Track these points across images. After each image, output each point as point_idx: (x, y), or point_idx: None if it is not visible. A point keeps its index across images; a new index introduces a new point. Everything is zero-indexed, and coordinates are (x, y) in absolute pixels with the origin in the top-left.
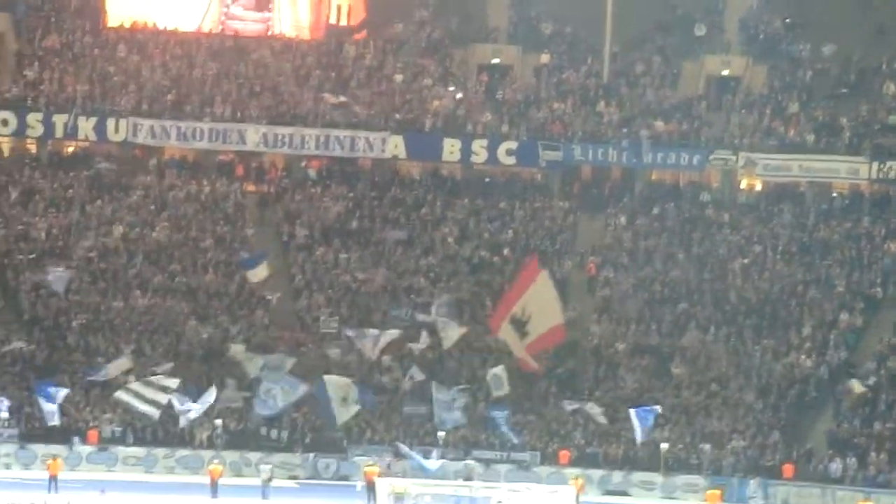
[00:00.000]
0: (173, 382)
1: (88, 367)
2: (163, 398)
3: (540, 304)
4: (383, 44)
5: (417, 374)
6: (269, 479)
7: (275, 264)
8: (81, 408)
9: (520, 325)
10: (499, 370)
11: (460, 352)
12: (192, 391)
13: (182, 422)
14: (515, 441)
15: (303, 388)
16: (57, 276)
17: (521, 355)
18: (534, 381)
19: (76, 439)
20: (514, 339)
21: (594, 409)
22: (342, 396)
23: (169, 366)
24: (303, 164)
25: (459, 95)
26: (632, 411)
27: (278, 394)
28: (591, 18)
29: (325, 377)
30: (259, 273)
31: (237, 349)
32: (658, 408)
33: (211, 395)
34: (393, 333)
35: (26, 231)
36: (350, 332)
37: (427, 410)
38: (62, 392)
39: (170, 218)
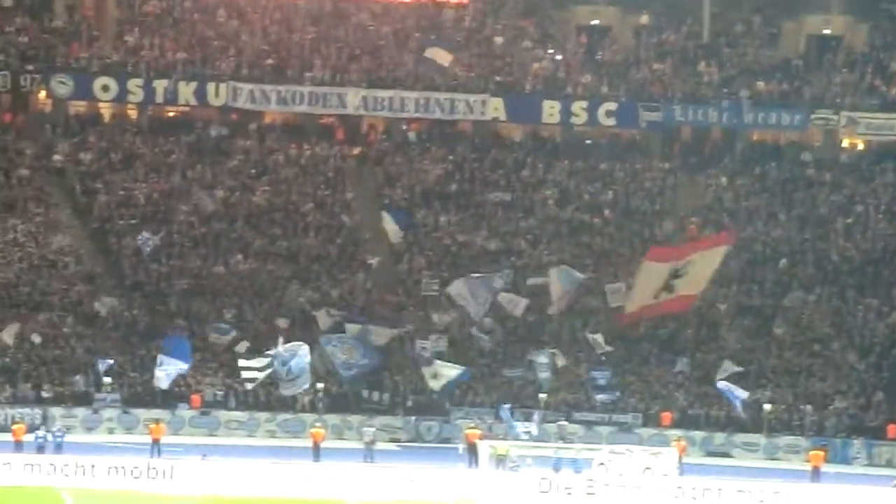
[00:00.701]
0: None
1: (213, 328)
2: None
3: (700, 269)
4: (483, 6)
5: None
6: (373, 442)
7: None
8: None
9: (672, 277)
10: (598, 337)
11: (560, 314)
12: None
13: (290, 390)
14: (606, 398)
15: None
16: (145, 240)
17: (633, 309)
18: (635, 342)
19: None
20: (652, 287)
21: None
22: (433, 373)
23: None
24: (403, 127)
25: (559, 57)
26: (722, 387)
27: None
28: None
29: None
30: (392, 231)
31: (323, 316)
32: (744, 394)
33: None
34: (499, 291)
35: (127, 196)
36: (458, 296)
37: (526, 373)
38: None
39: (270, 182)
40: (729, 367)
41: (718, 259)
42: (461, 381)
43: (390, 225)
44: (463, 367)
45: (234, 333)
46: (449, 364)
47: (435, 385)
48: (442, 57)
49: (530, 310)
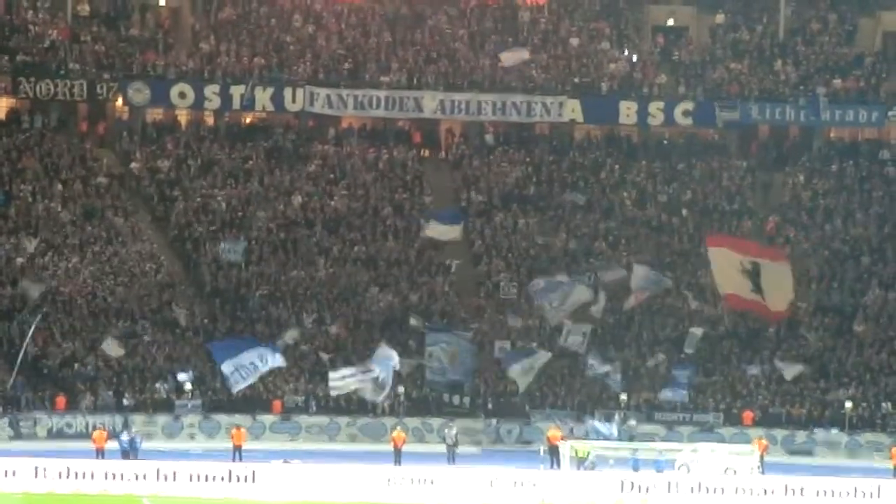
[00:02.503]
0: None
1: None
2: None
3: (777, 283)
4: (558, 7)
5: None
6: (455, 444)
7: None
8: (265, 378)
9: (753, 275)
10: (697, 330)
11: (641, 314)
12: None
13: (381, 397)
14: (673, 396)
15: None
16: (231, 246)
17: (729, 291)
18: (716, 341)
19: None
20: (731, 275)
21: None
22: (528, 366)
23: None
24: (481, 129)
25: (635, 57)
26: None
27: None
28: None
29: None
30: (448, 233)
31: (416, 321)
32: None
33: (392, 362)
34: (579, 294)
35: (206, 203)
36: (536, 291)
37: (608, 374)
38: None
39: (348, 186)
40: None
41: (789, 276)
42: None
43: (438, 229)
44: (539, 350)
45: (312, 337)
46: (528, 357)
47: (522, 384)
48: (517, 57)
49: (609, 310)
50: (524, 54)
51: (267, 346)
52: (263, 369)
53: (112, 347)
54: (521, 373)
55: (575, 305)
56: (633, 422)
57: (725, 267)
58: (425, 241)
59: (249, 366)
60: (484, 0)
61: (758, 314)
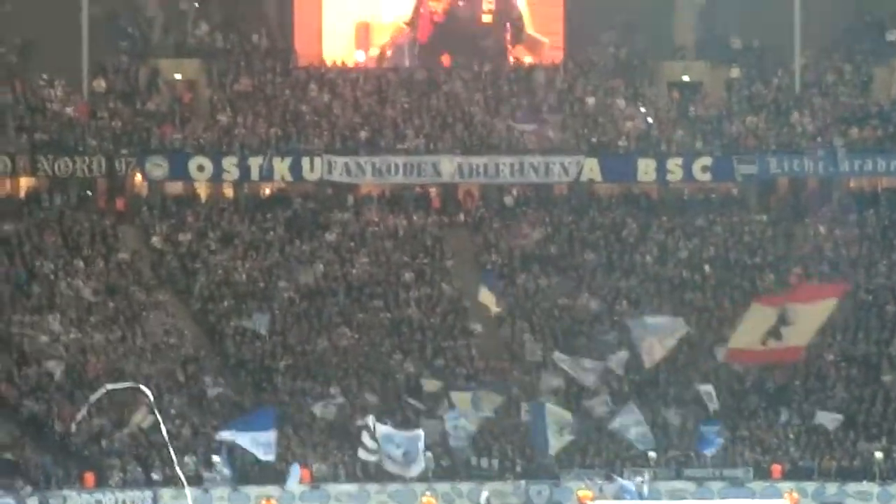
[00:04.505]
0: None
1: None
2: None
3: (809, 319)
4: (574, 67)
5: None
6: None
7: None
8: (292, 446)
9: (780, 323)
10: (708, 387)
11: (666, 371)
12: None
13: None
14: (712, 449)
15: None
16: (259, 319)
17: (737, 346)
18: (742, 395)
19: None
20: (759, 330)
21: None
22: (559, 426)
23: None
24: (499, 192)
25: (652, 115)
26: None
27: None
28: (779, 29)
29: (547, 405)
30: (487, 298)
31: (432, 384)
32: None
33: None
34: (608, 362)
35: (227, 275)
36: (563, 363)
37: (634, 431)
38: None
39: (369, 254)
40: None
41: (827, 311)
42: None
43: (488, 296)
44: (569, 415)
45: (339, 406)
46: (559, 418)
47: (555, 447)
48: (531, 126)
49: (634, 368)
50: (539, 125)
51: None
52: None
53: (142, 418)
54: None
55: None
56: (640, 478)
57: (755, 323)
58: (447, 306)
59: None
60: (498, 64)
61: (768, 362)
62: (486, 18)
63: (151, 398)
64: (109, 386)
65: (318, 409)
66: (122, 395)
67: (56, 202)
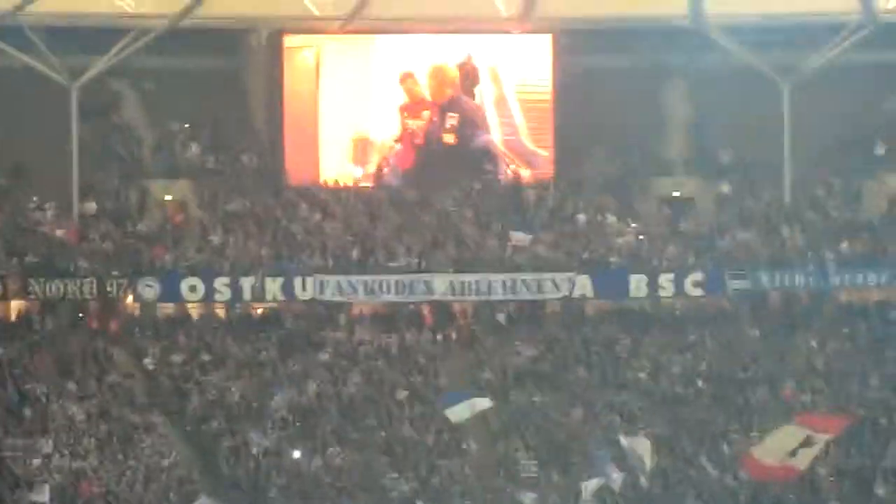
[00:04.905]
0: None
1: None
2: None
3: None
4: (564, 184)
5: None
6: None
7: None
8: None
9: (803, 445)
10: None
11: (662, 486)
12: None
13: None
14: None
15: None
16: (258, 441)
17: (761, 459)
18: None
19: None
20: (784, 448)
21: None
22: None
23: None
24: (498, 312)
25: (642, 237)
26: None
27: None
28: (769, 144)
29: None
30: (460, 413)
31: None
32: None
33: None
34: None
35: (220, 396)
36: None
37: None
38: None
39: (362, 372)
40: None
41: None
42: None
43: (457, 412)
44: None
45: None
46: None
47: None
48: (521, 240)
49: (629, 485)
50: (529, 240)
51: None
52: None
53: None
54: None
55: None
56: None
57: (783, 440)
58: (442, 424)
59: None
60: (489, 181)
61: (776, 478)
62: (449, 139)
63: None
64: None
65: None
66: None
67: (48, 325)
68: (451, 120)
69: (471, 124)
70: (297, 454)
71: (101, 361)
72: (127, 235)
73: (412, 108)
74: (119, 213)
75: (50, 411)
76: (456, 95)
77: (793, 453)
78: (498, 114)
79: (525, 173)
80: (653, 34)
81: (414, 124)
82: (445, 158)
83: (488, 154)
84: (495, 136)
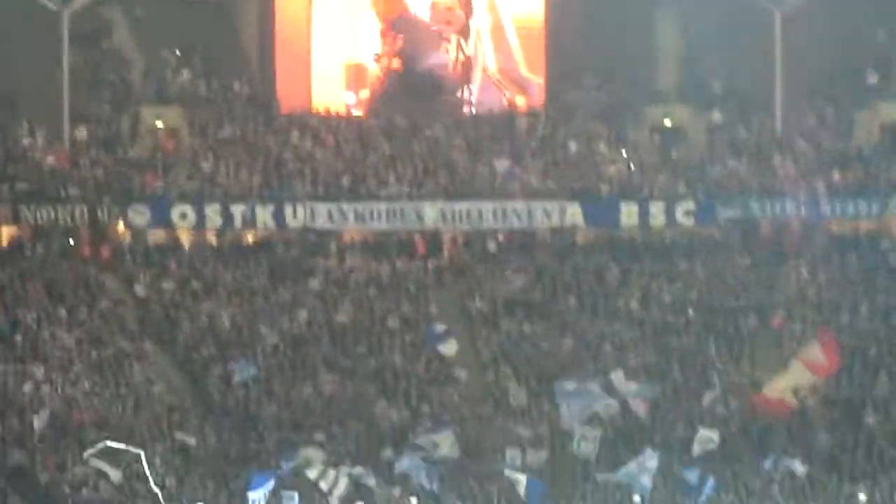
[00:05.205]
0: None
1: (283, 457)
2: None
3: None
4: (555, 112)
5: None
6: None
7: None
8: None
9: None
10: (711, 433)
11: (651, 416)
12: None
13: None
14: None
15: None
16: (240, 367)
17: (770, 394)
18: (726, 437)
19: None
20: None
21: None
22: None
23: None
24: (489, 241)
25: (632, 167)
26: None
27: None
28: (761, 73)
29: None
30: (450, 348)
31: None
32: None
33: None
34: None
35: (211, 323)
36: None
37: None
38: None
39: (353, 300)
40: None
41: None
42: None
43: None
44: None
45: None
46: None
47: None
48: (513, 168)
49: (620, 413)
50: (518, 167)
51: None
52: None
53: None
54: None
55: (591, 412)
56: None
57: (788, 378)
58: (432, 352)
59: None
60: (480, 110)
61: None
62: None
63: (146, 465)
64: (109, 443)
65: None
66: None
67: (39, 251)
68: (399, 42)
69: (418, 45)
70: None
71: (93, 288)
72: (118, 162)
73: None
74: (110, 139)
75: (41, 338)
76: (401, 14)
77: (794, 392)
78: (493, 42)
79: (521, 101)
80: None
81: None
82: (397, 83)
83: (433, 78)
84: (490, 63)
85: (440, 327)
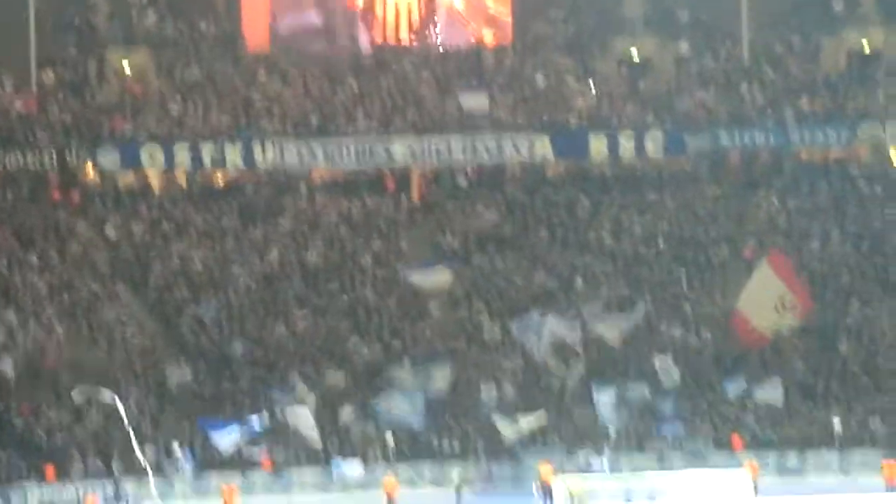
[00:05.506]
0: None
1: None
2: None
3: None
4: (522, 46)
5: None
6: (461, 486)
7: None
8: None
9: (781, 304)
10: (666, 359)
11: (624, 345)
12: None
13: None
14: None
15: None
16: (206, 307)
17: (750, 320)
18: (698, 366)
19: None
20: (765, 303)
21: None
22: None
23: None
24: (458, 176)
25: (602, 91)
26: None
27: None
28: (727, 2)
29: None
30: (440, 279)
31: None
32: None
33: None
34: (553, 327)
35: (183, 265)
36: (518, 331)
37: (594, 411)
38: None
39: (324, 238)
40: None
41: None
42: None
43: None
44: (536, 414)
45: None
46: (523, 417)
47: (510, 434)
48: (478, 101)
49: (593, 344)
50: (483, 100)
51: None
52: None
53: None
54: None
55: (552, 338)
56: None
57: (761, 289)
58: (404, 288)
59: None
60: (447, 45)
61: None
62: None
63: (121, 409)
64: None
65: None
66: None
67: (8, 196)
68: None
69: None
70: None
71: (63, 233)
72: (85, 106)
73: None
74: (78, 83)
75: (12, 283)
76: None
77: (777, 311)
78: None
79: (489, 36)
80: None
81: None
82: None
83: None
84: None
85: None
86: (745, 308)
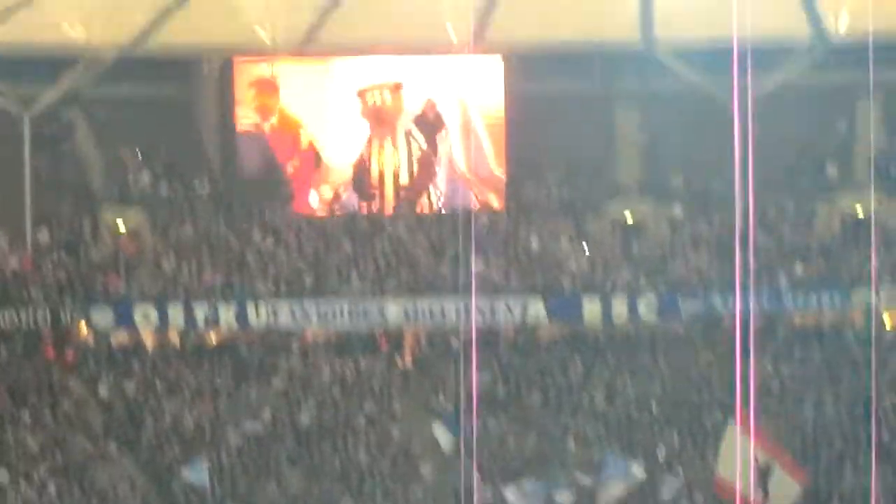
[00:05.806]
0: None
1: None
2: None
3: (782, 485)
4: (517, 210)
5: None
6: None
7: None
8: None
9: (761, 474)
10: None
11: None
12: None
13: None
14: None
15: None
16: (194, 469)
17: (726, 475)
18: None
19: None
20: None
21: None
22: None
23: None
24: (451, 338)
25: (587, 253)
26: None
27: None
28: (720, 166)
29: None
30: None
31: None
32: None
33: None
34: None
35: (175, 424)
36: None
37: None
38: None
39: (317, 400)
40: None
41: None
42: None
43: (443, 435)
44: None
45: None
46: None
47: None
48: (475, 265)
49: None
50: (479, 265)
51: None
52: None
53: None
54: None
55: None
56: None
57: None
58: (398, 450)
59: None
60: (441, 208)
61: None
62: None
63: None
64: None
65: None
66: None
67: (2, 354)
68: None
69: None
70: None
71: (56, 391)
72: (79, 264)
73: None
74: (72, 241)
75: (5, 441)
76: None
77: (762, 489)
78: (463, 140)
79: (494, 200)
80: (604, 58)
81: None
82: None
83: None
84: (460, 163)
85: None
86: (724, 472)
